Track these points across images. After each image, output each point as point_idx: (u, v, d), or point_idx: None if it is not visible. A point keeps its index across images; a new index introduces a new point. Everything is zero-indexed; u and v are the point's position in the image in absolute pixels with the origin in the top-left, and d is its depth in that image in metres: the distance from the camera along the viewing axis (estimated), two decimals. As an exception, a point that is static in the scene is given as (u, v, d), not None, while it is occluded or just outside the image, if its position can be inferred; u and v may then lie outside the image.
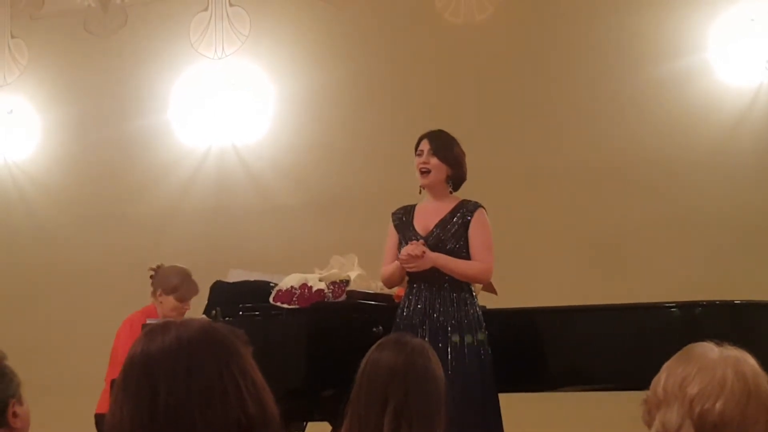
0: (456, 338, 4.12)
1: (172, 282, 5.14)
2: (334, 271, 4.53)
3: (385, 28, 6.92)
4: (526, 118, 6.52)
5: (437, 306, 4.18)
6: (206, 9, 7.37)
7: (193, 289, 5.20)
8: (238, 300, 4.58)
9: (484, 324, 4.21)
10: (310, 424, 4.80)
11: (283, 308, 4.43)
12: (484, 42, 6.64)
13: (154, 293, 5.19)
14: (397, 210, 4.41)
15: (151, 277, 5.22)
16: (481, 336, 4.17)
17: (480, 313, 4.23)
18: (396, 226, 4.36)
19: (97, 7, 7.67)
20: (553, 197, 6.37)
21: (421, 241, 4.20)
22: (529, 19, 6.60)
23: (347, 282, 4.46)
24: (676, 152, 6.17)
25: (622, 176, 6.27)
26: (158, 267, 5.22)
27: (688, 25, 6.20)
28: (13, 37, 7.86)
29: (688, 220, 6.10)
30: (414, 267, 4.16)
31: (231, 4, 7.33)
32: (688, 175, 6.14)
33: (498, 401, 4.17)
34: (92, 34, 7.66)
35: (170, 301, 5.13)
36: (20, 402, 2.49)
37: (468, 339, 4.14)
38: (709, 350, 1.80)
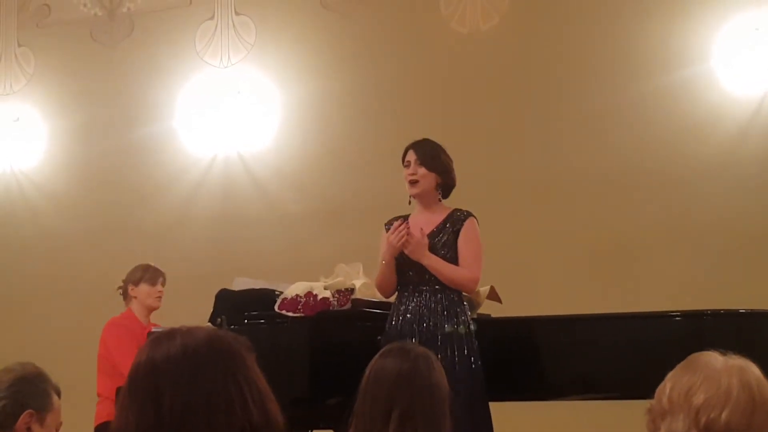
0: (447, 347, 4.08)
1: (137, 274, 5.41)
2: (339, 280, 4.52)
3: (391, 36, 6.93)
4: (531, 126, 6.51)
5: (426, 316, 4.13)
6: (212, 18, 7.40)
7: (159, 272, 5.45)
8: (244, 308, 4.57)
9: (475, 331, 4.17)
10: (314, 432, 4.80)
11: (288, 316, 4.43)
12: (490, 51, 6.65)
13: (126, 295, 5.41)
14: (390, 220, 4.37)
15: (120, 288, 5.44)
16: (470, 334, 4.14)
17: (470, 321, 4.20)
18: None
19: (103, 16, 7.70)
20: (557, 206, 6.36)
21: (425, 231, 4.16)
22: (534, 29, 6.60)
23: (352, 290, 4.46)
24: (681, 161, 6.16)
25: (626, 185, 6.25)
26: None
27: (692, 35, 6.20)
28: (19, 45, 7.89)
29: (692, 230, 6.09)
30: (406, 247, 4.11)
31: (237, 13, 7.35)
32: (692, 184, 6.13)
33: (489, 410, 4.13)
34: (99, 43, 7.69)
35: (142, 288, 5.37)
36: (41, 422, 2.43)
37: (458, 347, 4.10)
38: (714, 359, 1.79)
